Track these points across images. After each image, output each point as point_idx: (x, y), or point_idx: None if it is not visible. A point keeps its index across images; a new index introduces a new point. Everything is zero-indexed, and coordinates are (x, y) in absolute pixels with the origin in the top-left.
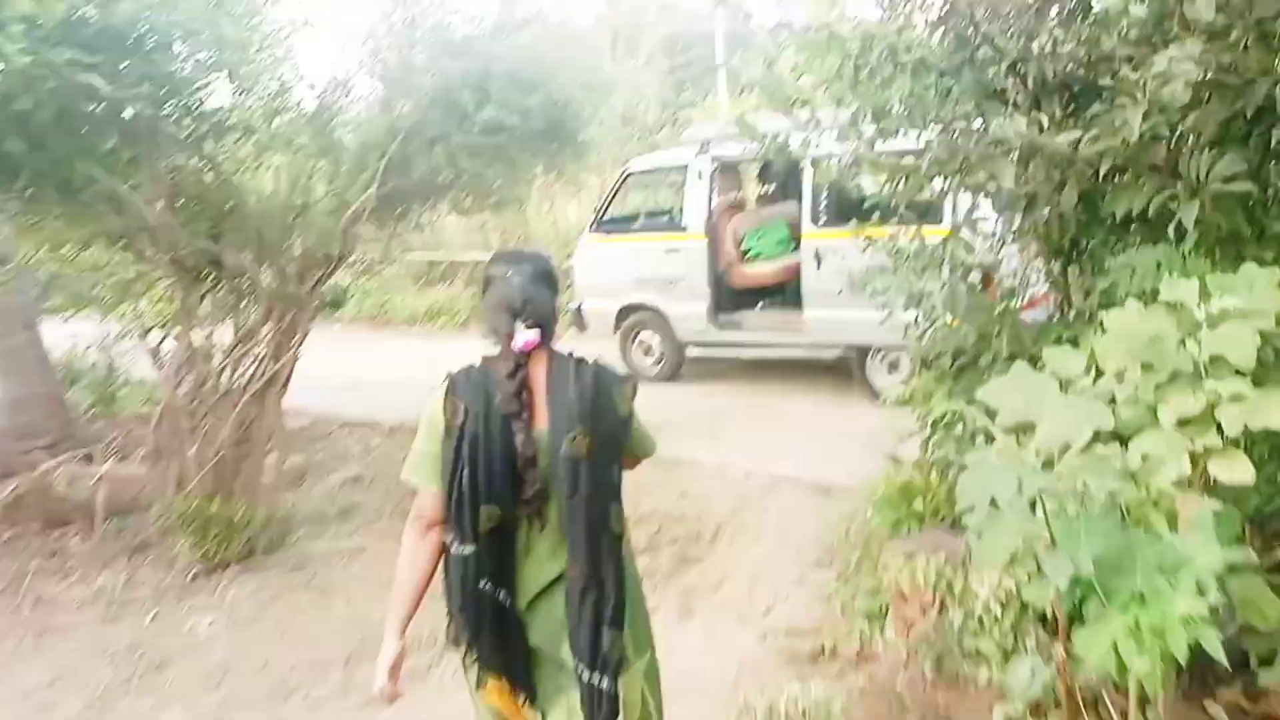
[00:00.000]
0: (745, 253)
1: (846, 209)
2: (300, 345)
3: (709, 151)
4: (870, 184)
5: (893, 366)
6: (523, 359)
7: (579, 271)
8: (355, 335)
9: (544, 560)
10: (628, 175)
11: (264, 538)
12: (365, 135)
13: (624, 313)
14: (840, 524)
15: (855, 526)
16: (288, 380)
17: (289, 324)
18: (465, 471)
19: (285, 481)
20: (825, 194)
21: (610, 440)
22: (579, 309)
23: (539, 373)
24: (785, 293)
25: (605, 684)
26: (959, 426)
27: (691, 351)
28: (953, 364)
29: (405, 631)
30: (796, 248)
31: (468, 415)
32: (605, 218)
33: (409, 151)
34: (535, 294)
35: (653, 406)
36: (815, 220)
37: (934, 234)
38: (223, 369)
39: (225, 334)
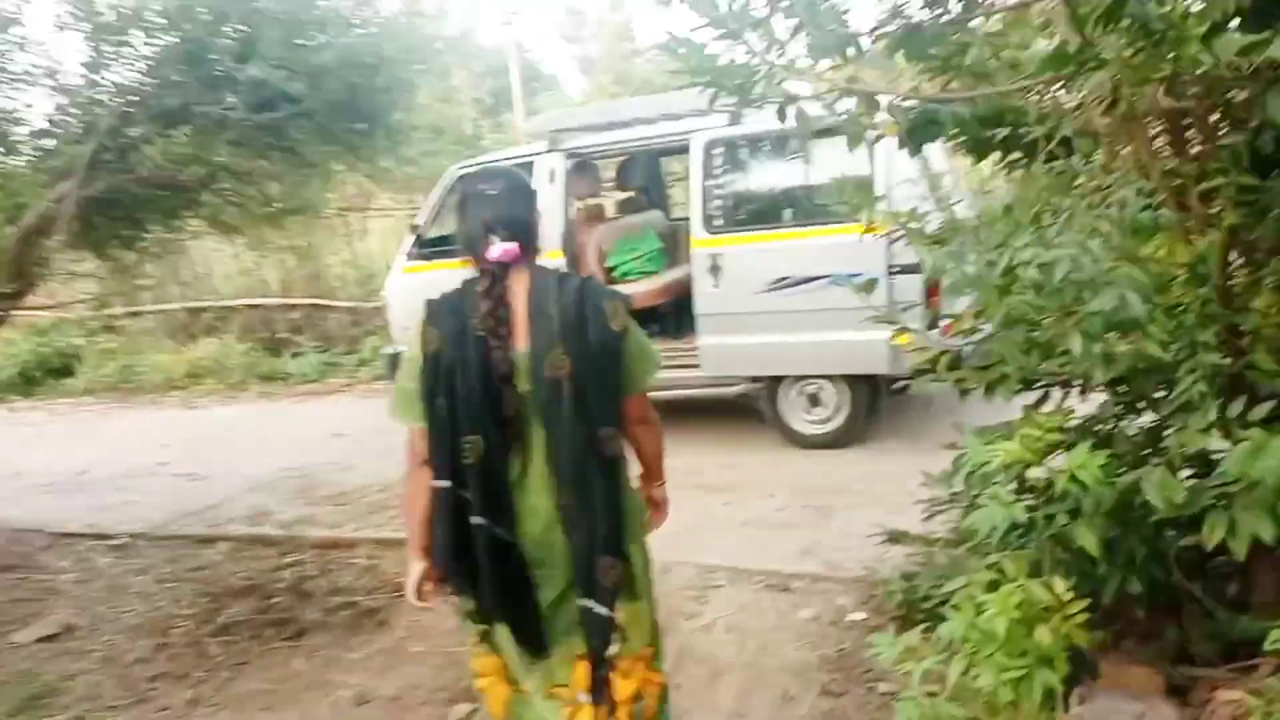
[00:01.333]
0: (611, 271)
1: (749, 209)
2: None
3: (562, 145)
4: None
5: (813, 401)
6: (500, 272)
7: (395, 310)
8: (89, 411)
9: (540, 492)
10: (458, 179)
11: None
12: (55, 109)
13: None
14: (832, 637)
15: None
16: None
17: None
18: (441, 399)
19: None
20: (720, 191)
21: (599, 360)
22: (395, 359)
23: (520, 290)
24: (664, 318)
25: (600, 610)
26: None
27: None
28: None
29: (426, 552)
30: (671, 263)
31: (443, 341)
32: (428, 237)
33: (134, 134)
34: (511, 207)
35: None
36: (709, 224)
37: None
38: None
39: None
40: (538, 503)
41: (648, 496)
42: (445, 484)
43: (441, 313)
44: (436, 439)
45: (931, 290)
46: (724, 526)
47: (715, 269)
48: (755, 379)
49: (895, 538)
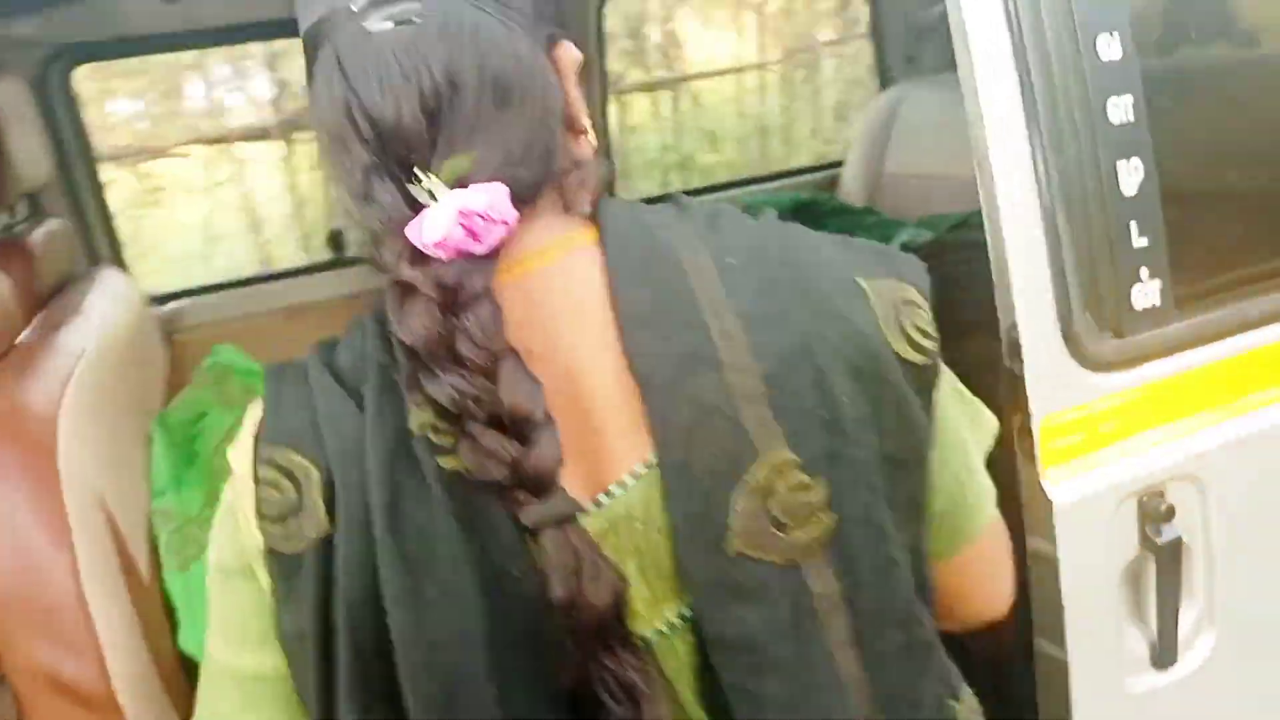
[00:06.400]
0: None
1: None
2: None
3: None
4: None
5: None
6: (455, 275)
7: None
8: None
9: None
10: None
11: None
12: None
13: None
14: None
15: None
16: None
17: None
18: (376, 685)
19: None
20: None
21: (887, 460)
22: None
23: (558, 302)
24: None
25: None
26: None
27: None
28: None
29: None
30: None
31: (336, 492)
32: None
33: None
34: (450, 83)
35: None
36: None
37: None
38: None
39: None
40: None
41: None
42: None
43: (310, 426)
44: None
45: None
46: None
47: None
48: None
49: None
